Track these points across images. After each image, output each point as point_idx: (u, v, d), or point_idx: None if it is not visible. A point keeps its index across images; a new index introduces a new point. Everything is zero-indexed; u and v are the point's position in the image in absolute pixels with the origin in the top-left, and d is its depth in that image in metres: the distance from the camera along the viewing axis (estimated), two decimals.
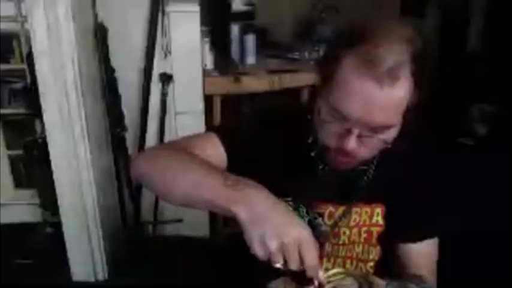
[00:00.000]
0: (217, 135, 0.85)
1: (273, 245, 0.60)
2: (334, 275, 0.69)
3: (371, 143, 0.72)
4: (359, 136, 0.70)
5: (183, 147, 0.80)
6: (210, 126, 0.93)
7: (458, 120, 3.24)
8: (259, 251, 0.61)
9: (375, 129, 0.70)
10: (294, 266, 0.61)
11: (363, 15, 0.77)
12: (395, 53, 0.66)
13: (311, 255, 0.61)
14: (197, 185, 0.69)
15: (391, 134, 0.73)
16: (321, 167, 0.84)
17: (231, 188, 0.65)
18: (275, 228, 0.61)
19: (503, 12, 3.08)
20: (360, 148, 0.72)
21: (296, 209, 0.85)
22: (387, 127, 0.71)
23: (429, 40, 0.71)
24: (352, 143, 0.70)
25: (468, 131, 3.25)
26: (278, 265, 0.61)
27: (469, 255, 1.73)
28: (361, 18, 0.74)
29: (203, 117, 2.05)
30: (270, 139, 0.85)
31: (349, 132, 0.70)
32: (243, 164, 0.78)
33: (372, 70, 0.66)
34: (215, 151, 0.82)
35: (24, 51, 2.02)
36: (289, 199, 0.84)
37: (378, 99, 0.67)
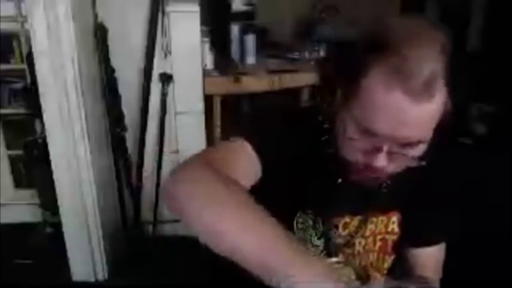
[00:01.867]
0: (249, 143, 0.75)
1: None
2: (333, 264, 0.68)
3: (400, 160, 0.67)
4: (389, 152, 0.65)
5: (220, 168, 0.67)
6: (240, 130, 0.81)
7: (457, 120, 3.24)
8: None
9: (405, 145, 0.65)
10: None
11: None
12: (430, 62, 0.59)
13: None
14: (252, 245, 0.56)
15: (421, 149, 0.67)
16: (339, 180, 0.78)
17: (293, 250, 0.55)
18: None
19: (503, 12, 3.08)
20: (389, 165, 0.67)
21: (313, 219, 0.82)
22: (418, 143, 0.66)
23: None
24: (382, 161, 0.65)
25: (467, 131, 3.25)
26: None
27: (468, 255, 1.73)
28: (388, 19, 0.67)
29: (203, 117, 2.05)
30: (289, 149, 0.77)
31: (378, 149, 0.65)
32: (273, 174, 0.73)
33: (405, 83, 0.59)
34: (250, 163, 0.74)
35: (24, 51, 2.02)
36: (305, 210, 0.81)
37: (412, 115, 0.61)
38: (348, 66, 0.67)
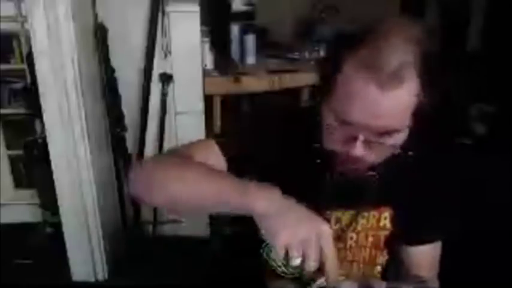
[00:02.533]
0: (217, 145, 0.82)
1: (299, 237, 0.60)
2: None
3: (379, 148, 0.70)
4: (366, 141, 0.68)
5: (182, 157, 0.79)
6: (215, 136, 0.90)
7: (457, 120, 3.24)
8: (282, 240, 0.60)
9: (382, 134, 0.68)
10: (313, 260, 0.60)
11: (363, 15, 0.74)
12: (399, 54, 0.63)
13: (331, 248, 0.62)
14: (210, 191, 0.68)
15: (399, 138, 0.70)
16: (327, 172, 0.81)
17: (246, 187, 0.65)
18: (300, 221, 0.61)
19: (503, 12, 3.08)
20: (368, 154, 0.69)
21: None
22: (394, 131, 0.68)
23: (436, 38, 0.69)
24: (359, 149, 0.68)
25: (467, 131, 3.25)
26: (297, 261, 0.60)
27: (468, 255, 1.73)
28: (363, 18, 0.71)
29: (203, 117, 2.05)
30: (274, 144, 0.82)
31: (355, 138, 0.68)
32: (245, 171, 0.76)
33: (374, 74, 0.63)
34: (215, 159, 0.80)
35: (24, 51, 2.03)
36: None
37: (381, 103, 0.64)
38: (327, 62, 0.72)
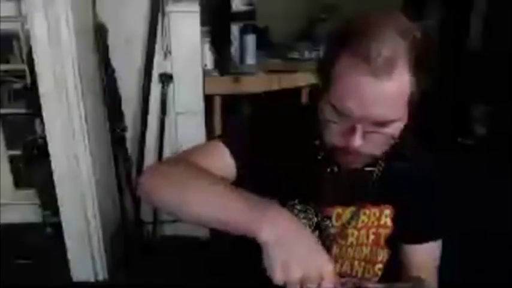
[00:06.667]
0: (224, 144, 0.82)
1: (297, 275, 0.59)
2: None
3: (377, 139, 0.71)
4: (364, 132, 0.69)
5: (191, 162, 0.78)
6: (219, 136, 0.90)
7: (458, 120, 3.24)
8: (278, 277, 0.60)
9: (379, 123, 0.69)
10: None
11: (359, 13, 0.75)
12: (390, 45, 0.64)
13: None
14: (214, 205, 0.67)
15: (396, 128, 0.71)
16: (328, 169, 0.82)
17: (252, 208, 0.64)
18: (302, 257, 0.60)
19: (503, 12, 3.09)
20: (367, 145, 0.70)
21: (304, 211, 0.84)
22: (391, 121, 0.69)
23: (427, 31, 0.70)
24: (358, 141, 0.69)
25: (467, 131, 3.26)
26: None
27: (469, 255, 1.73)
28: (354, 15, 0.72)
29: (203, 117, 2.05)
30: (276, 143, 0.82)
31: (353, 129, 0.69)
32: (252, 171, 0.77)
33: (367, 64, 0.64)
34: (223, 162, 0.80)
35: (24, 51, 2.03)
36: (296, 202, 0.83)
37: (375, 92, 0.65)
38: (322, 59, 0.74)
